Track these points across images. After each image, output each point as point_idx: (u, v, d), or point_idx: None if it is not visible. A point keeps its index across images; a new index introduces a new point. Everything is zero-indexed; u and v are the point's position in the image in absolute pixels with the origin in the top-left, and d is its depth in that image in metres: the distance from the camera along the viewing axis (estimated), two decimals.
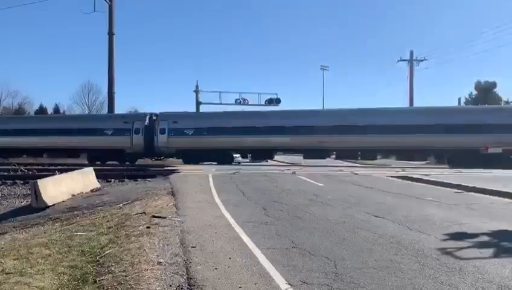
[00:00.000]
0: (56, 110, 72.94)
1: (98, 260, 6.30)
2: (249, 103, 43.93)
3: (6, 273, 5.96)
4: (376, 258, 5.96)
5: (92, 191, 16.42)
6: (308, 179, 18.55)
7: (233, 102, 43.77)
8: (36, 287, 5.29)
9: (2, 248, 8.19)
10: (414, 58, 48.78)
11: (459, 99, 44.52)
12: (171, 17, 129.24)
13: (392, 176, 20.64)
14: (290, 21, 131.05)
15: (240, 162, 39.24)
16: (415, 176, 19.45)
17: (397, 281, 4.96)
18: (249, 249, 6.58)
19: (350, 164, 37.51)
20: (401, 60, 49.40)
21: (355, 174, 22.42)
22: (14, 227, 11.35)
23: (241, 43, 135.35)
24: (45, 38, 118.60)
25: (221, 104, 44.18)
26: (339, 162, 37.01)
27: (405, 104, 47.84)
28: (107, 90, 41.05)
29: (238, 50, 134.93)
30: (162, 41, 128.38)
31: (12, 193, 17.41)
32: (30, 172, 23.26)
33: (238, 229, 8.09)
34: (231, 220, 8.98)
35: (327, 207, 10.82)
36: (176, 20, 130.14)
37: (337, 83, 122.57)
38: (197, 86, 44.76)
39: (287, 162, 40.69)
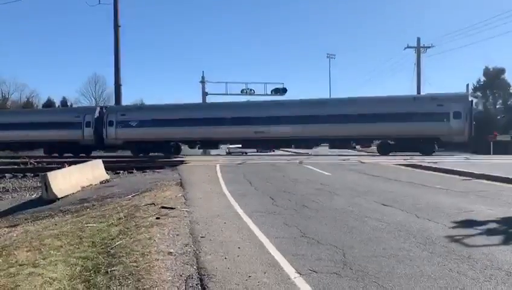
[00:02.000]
0: (63, 103, 73.32)
1: (109, 251, 6.39)
2: (255, 93, 43.81)
3: (20, 265, 6.08)
4: (384, 246, 5.99)
5: (101, 183, 16.58)
6: (315, 169, 18.56)
7: (240, 92, 43.66)
8: (49, 278, 5.39)
9: (15, 240, 8.35)
10: (421, 45, 48.25)
11: (467, 85, 43.90)
12: (177, 8, 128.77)
13: (399, 164, 20.58)
14: (296, 9, 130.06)
15: (246, 153, 39.33)
16: (423, 164, 19.39)
17: (406, 268, 4.99)
18: (257, 238, 6.63)
19: (358, 153, 37.42)
20: (408, 47, 48.89)
21: (363, 163, 22.38)
22: (25, 219, 11.53)
23: (247, 33, 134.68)
24: (52, 31, 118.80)
25: (227, 94, 44.10)
26: (347, 151, 36.91)
27: (413, 91, 47.53)
28: (113, 82, 41.10)
29: (245, 40, 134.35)
30: (168, 32, 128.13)
31: (23, 186, 17.65)
32: (40, 165, 23.48)
33: (246, 219, 8.15)
34: (239, 210, 9.03)
35: (335, 196, 10.84)
36: (181, 10, 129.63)
37: (344, 70, 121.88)
38: (203, 77, 44.67)
39: (294, 152, 40.68)
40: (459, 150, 31.54)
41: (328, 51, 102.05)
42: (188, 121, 33.28)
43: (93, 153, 35.35)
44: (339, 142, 33.11)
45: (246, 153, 39.21)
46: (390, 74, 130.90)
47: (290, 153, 38.76)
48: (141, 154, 33.00)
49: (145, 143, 34.16)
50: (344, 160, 24.30)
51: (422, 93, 45.39)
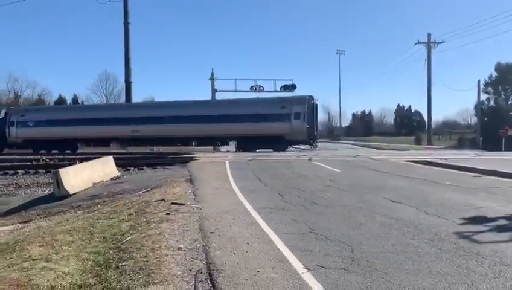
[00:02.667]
0: (74, 100, 73.96)
1: (119, 246, 6.48)
2: (264, 90, 43.77)
3: (33, 260, 6.19)
4: (393, 242, 6.00)
5: (112, 179, 16.73)
6: (324, 165, 18.55)
7: (249, 89, 43.65)
8: (61, 272, 5.49)
9: (28, 235, 8.48)
10: (432, 40, 47.83)
11: (479, 81, 43.45)
12: (186, 5, 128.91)
13: (409, 161, 20.48)
14: (307, 6, 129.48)
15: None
16: (433, 161, 19.27)
17: (414, 265, 5.00)
18: (266, 234, 6.68)
19: (367, 150, 37.27)
20: (419, 43, 48.51)
21: (372, 159, 22.31)
22: (38, 215, 11.70)
23: (256, 29, 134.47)
24: (63, 28, 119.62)
25: (236, 91, 44.11)
26: (355, 147, 36.82)
27: (423, 86, 47.33)
28: (124, 79, 41.36)
29: (254, 36, 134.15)
30: (179, 29, 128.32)
31: (35, 182, 17.85)
32: (52, 161, 23.75)
33: (255, 215, 8.20)
34: (248, 206, 9.09)
35: (344, 193, 10.85)
36: (191, 7, 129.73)
37: (354, 67, 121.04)
38: (212, 74, 44.71)
39: (304, 148, 40.63)
40: (471, 147, 31.35)
41: (338, 48, 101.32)
42: (78, 121, 36.00)
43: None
44: (202, 141, 35.42)
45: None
46: (401, 70, 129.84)
47: (299, 150, 38.77)
48: (42, 151, 34.73)
49: (42, 141, 36.20)
50: (354, 157, 24.22)
51: (432, 88, 45.51)
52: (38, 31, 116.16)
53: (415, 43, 48.82)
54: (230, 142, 35.70)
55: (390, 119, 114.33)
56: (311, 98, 33.56)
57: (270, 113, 31.72)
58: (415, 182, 12.74)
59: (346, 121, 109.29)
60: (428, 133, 51.14)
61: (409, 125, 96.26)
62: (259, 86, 43.17)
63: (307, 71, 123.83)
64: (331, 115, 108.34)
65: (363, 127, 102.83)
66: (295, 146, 35.13)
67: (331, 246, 5.86)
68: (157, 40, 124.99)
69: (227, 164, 19.26)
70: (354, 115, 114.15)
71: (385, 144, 50.92)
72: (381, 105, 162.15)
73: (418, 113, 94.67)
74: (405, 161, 20.80)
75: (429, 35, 47.98)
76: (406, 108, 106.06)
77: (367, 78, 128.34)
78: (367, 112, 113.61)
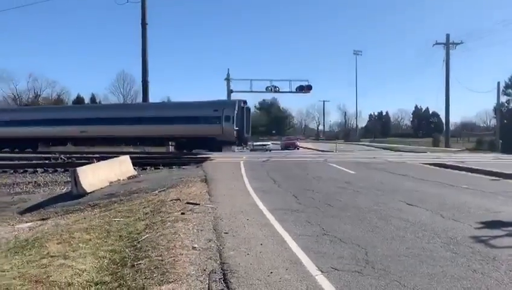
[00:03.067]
0: (92, 99, 75.01)
1: (135, 245, 6.57)
2: (280, 90, 43.72)
3: (51, 257, 6.32)
4: (408, 246, 5.96)
5: (128, 178, 16.93)
6: (339, 167, 18.47)
7: (264, 89, 43.65)
8: (79, 269, 5.60)
9: (46, 232, 8.65)
10: (450, 41, 47.15)
11: (498, 83, 42.71)
12: (202, 5, 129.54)
13: (426, 163, 20.25)
14: (322, 5, 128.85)
15: (270, 150, 39.41)
16: (450, 163, 19.02)
17: (428, 269, 4.96)
18: (280, 235, 6.69)
19: (383, 151, 36.96)
20: (437, 44, 47.86)
21: (389, 161, 22.12)
22: (56, 213, 11.93)
23: (272, 30, 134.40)
24: (81, 29, 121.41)
25: (252, 91, 44.20)
26: (372, 149, 36.54)
27: (442, 88, 46.81)
28: (141, 79, 41.75)
29: (270, 37, 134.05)
30: (194, 30, 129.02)
31: (54, 180, 18.17)
32: (70, 160, 24.12)
33: (269, 216, 8.22)
34: (262, 207, 9.11)
35: (359, 195, 10.79)
36: (207, 8, 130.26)
37: (371, 67, 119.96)
38: (228, 74, 44.85)
39: (320, 150, 40.55)
40: (490, 150, 30.81)
41: (355, 48, 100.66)
42: (37, 121, 37.18)
43: None
44: (145, 142, 36.03)
45: (270, 150, 39.35)
46: (419, 71, 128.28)
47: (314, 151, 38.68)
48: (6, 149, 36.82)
49: (4, 140, 37.52)
50: (370, 158, 24.05)
51: (450, 89, 45.01)
52: (58, 32, 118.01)
53: (433, 44, 48.16)
54: (169, 143, 36.81)
55: (407, 120, 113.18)
56: (242, 102, 35.13)
57: (204, 115, 33.31)
58: (431, 185, 12.60)
59: (362, 122, 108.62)
60: (446, 135, 50.40)
61: (426, 127, 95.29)
62: (275, 87, 43.18)
63: (323, 71, 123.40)
64: (347, 116, 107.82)
65: (380, 129, 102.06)
66: (239, 147, 36.55)
67: (345, 249, 5.85)
68: (174, 40, 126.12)
69: (241, 165, 19.32)
70: (370, 116, 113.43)
71: (402, 145, 50.41)
72: (398, 106, 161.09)
73: (435, 114, 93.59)
74: (422, 163, 20.57)
75: (448, 36, 47.33)
76: (423, 109, 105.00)
77: (384, 79, 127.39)
78: (384, 113, 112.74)
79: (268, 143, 45.74)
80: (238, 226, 7.40)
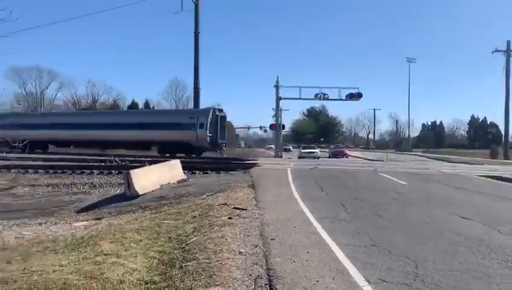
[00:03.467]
0: (146, 105, 77.64)
1: (183, 247, 6.73)
2: (329, 98, 43.22)
3: (105, 255, 6.60)
4: (461, 260, 5.71)
5: (178, 182, 17.35)
6: (390, 177, 17.98)
7: (313, 97, 43.31)
8: (130, 268, 5.80)
9: (100, 231, 9.04)
10: (511, 48, 44.74)
11: None
12: (253, 13, 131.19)
13: (482, 176, 19.30)
14: (374, 13, 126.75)
15: (318, 157, 39.06)
16: (509, 176, 18.02)
17: (483, 286, 4.73)
18: (327, 244, 6.62)
19: (437, 162, 35.61)
20: (496, 51, 45.56)
21: (442, 172, 21.29)
22: (109, 213, 12.43)
23: (322, 37, 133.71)
24: (138, 36, 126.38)
25: (300, 98, 43.94)
26: (425, 159, 35.30)
27: (501, 97, 44.66)
28: (193, 86, 42.83)
29: (320, 44, 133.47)
30: (245, 37, 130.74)
31: (108, 182, 18.97)
32: (123, 163, 25.07)
33: (316, 224, 8.14)
34: (309, 215, 9.05)
35: (410, 206, 10.46)
36: (257, 16, 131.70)
37: (425, 75, 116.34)
38: (277, 81, 44.85)
39: (369, 159, 39.71)
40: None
41: (407, 55, 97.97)
42: (46, 125, 39.47)
43: None
44: (131, 146, 37.62)
45: (318, 157, 39.02)
46: (476, 79, 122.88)
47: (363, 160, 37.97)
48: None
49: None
50: (422, 169, 23.26)
51: (510, 99, 42.93)
52: (114, 38, 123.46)
53: (493, 51, 45.85)
54: (153, 147, 38.42)
55: (462, 130, 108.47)
56: (216, 110, 37.06)
57: (181, 122, 35.48)
58: (487, 198, 12.00)
59: (415, 132, 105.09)
60: (505, 146, 47.68)
61: (483, 138, 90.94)
62: (324, 94, 42.67)
63: (373, 79, 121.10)
64: (398, 125, 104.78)
65: (433, 138, 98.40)
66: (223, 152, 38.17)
67: (394, 261, 5.69)
68: (226, 47, 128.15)
69: (289, 172, 19.28)
70: (423, 125, 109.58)
71: (457, 157, 48.30)
72: (453, 116, 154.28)
73: (494, 125, 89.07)
74: (478, 175, 19.62)
75: (508, 42, 44.90)
76: (480, 119, 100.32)
77: (438, 87, 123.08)
78: (438, 122, 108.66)
79: (316, 150, 45.28)
80: (285, 233, 7.39)
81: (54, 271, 5.76)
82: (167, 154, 32.88)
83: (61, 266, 6.01)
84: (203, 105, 41.54)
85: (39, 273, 5.72)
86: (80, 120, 41.45)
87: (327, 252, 6.18)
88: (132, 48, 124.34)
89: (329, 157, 44.47)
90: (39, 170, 21.77)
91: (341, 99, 42.75)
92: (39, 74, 75.44)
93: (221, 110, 37.86)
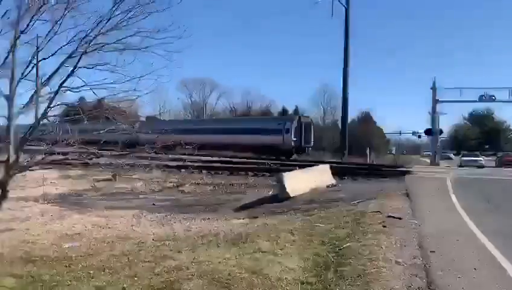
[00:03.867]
0: (295, 111, 79.70)
1: (337, 251, 6.73)
2: (497, 100, 38.55)
3: (262, 252, 6.99)
4: None
5: (327, 186, 17.39)
6: None
7: (477, 99, 39.10)
8: (286, 267, 6.04)
9: (256, 230, 9.59)
10: None
11: None
12: (405, 17, 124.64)
13: None
14: None
15: (483, 166, 35.22)
16: None
17: None
18: (497, 262, 5.96)
19: None
20: None
21: None
22: (263, 213, 13.06)
23: (488, 35, 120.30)
24: (289, 44, 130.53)
25: (461, 101, 40.05)
26: None
27: None
28: (341, 95, 42.47)
29: (487, 41, 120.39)
30: (398, 42, 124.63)
31: (261, 183, 20.00)
32: (274, 166, 26.16)
33: (483, 238, 7.38)
34: (474, 228, 8.24)
35: None
36: (406, 19, 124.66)
37: None
38: (434, 83, 41.76)
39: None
40: None
41: None
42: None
43: None
44: (221, 148, 39.43)
45: (482, 166, 35.14)
46: None
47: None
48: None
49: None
50: None
51: None
52: (268, 48, 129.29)
53: None
54: (248, 149, 40.58)
55: None
56: (302, 117, 41.07)
57: (270, 128, 39.27)
58: None
59: None
60: None
61: None
62: (491, 96, 38.25)
63: None
64: None
65: None
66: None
67: None
68: (377, 53, 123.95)
69: (448, 181, 17.78)
70: None
71: None
72: None
73: None
74: None
75: None
76: None
77: None
78: None
79: (481, 158, 40.70)
80: (446, 246, 6.87)
81: (219, 262, 6.32)
82: (263, 156, 35.92)
83: (225, 259, 6.55)
84: (351, 109, 43.14)
85: (206, 263, 6.34)
86: (195, 126, 46.92)
87: (498, 270, 5.56)
88: (284, 55, 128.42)
89: (496, 166, 39.59)
90: (203, 171, 24.03)
91: (510, 101, 37.90)
92: (202, 85, 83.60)
93: (306, 117, 42.08)
